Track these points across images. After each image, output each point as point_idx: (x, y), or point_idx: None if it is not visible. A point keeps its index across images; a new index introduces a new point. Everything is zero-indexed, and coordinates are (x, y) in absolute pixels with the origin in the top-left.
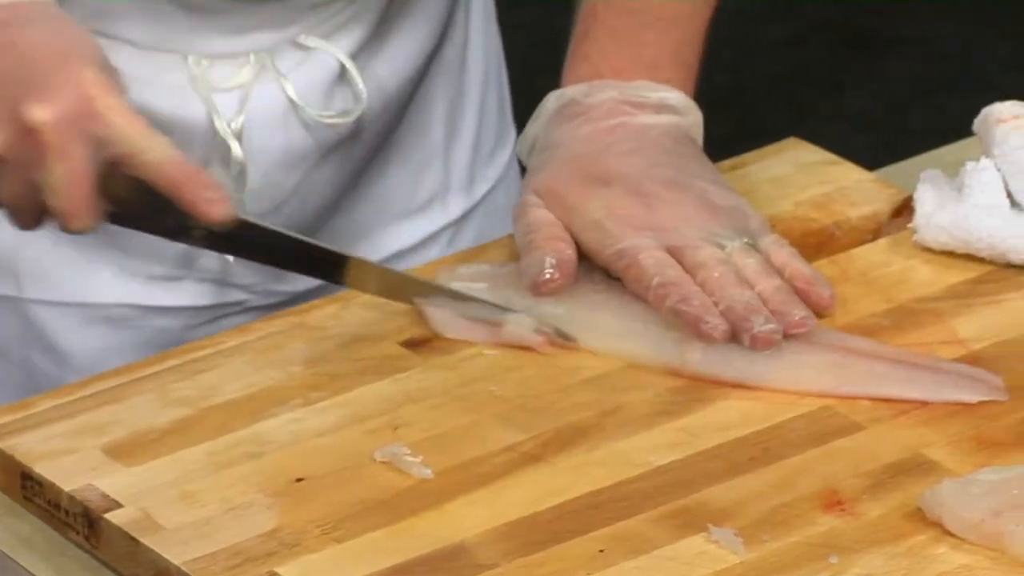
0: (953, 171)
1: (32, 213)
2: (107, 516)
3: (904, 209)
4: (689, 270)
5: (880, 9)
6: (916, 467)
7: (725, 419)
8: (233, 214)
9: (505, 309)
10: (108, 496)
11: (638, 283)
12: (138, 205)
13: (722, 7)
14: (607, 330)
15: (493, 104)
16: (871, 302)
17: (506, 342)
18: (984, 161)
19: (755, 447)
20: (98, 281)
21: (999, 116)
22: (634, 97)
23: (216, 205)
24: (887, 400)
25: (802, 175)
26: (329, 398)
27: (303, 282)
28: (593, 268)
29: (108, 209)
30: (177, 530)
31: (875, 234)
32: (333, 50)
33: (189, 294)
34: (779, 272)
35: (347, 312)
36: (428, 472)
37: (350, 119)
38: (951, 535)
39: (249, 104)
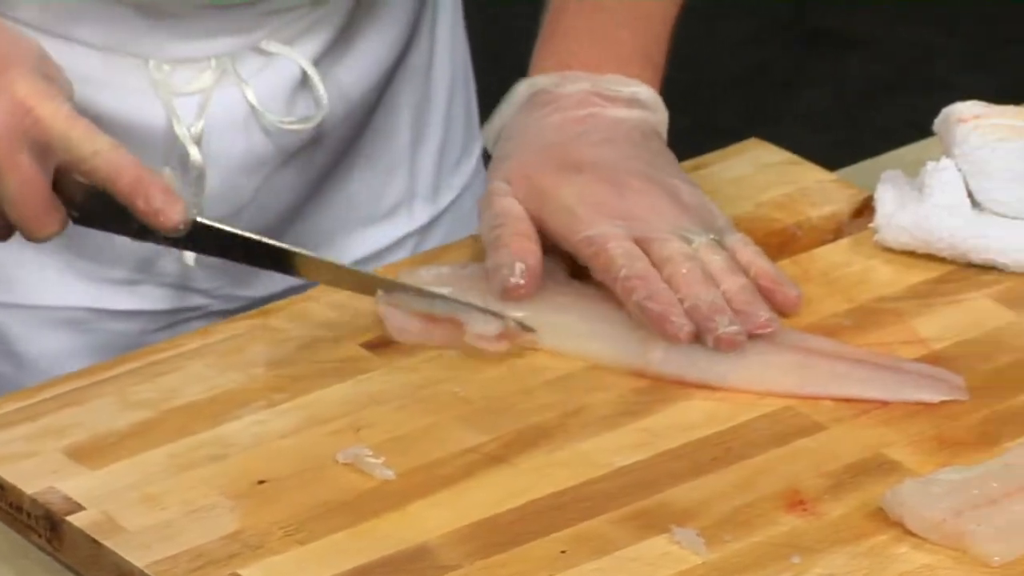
0: (914, 171)
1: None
2: (69, 519)
3: (865, 209)
4: (656, 263)
5: (839, 8)
6: (877, 467)
7: (688, 419)
8: (187, 219)
9: (468, 305)
10: (70, 499)
11: (605, 272)
12: (99, 208)
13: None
14: (572, 331)
15: (460, 112)
16: (833, 302)
17: (461, 346)
18: (945, 161)
19: (717, 447)
20: (53, 283)
21: (959, 116)
22: (606, 90)
23: (168, 212)
24: (849, 400)
25: (763, 175)
26: (291, 400)
27: (264, 287)
28: (556, 266)
29: (71, 213)
30: (139, 532)
31: (836, 234)
32: (295, 56)
33: (148, 298)
34: (744, 270)
35: (309, 314)
36: (390, 473)
37: (311, 125)
38: (913, 535)
39: (209, 109)
